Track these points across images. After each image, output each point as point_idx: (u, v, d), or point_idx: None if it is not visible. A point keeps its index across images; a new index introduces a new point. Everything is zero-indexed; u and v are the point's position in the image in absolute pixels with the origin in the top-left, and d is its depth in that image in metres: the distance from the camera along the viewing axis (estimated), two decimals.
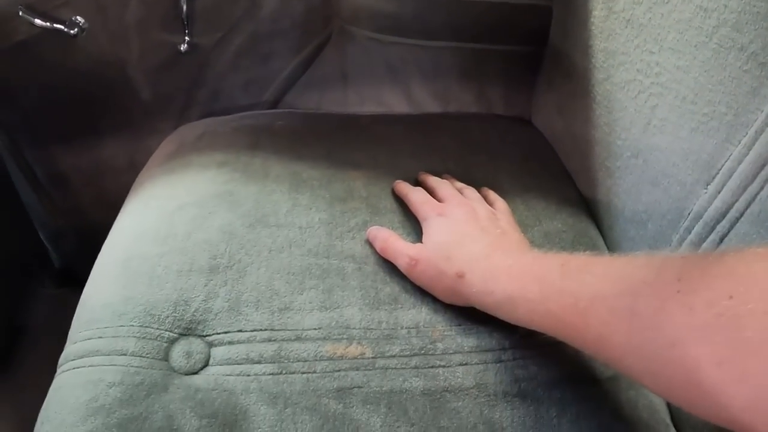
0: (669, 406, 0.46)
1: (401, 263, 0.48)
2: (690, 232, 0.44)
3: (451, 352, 0.45)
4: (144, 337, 0.44)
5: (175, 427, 0.40)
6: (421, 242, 0.49)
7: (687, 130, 0.43)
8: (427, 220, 0.50)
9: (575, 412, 0.42)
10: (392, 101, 0.75)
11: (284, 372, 0.43)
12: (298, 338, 0.44)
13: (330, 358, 0.44)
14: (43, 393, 0.44)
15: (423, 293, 0.48)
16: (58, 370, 0.45)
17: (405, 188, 0.55)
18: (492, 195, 0.56)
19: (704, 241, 0.43)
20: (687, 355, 0.27)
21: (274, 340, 0.44)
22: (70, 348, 0.46)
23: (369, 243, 0.52)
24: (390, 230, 0.51)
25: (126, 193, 0.62)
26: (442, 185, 0.55)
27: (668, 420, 0.45)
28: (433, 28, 0.70)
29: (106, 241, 0.55)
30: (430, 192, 0.54)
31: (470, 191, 0.55)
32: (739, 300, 0.25)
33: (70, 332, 0.48)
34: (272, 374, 0.42)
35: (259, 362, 0.43)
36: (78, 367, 0.44)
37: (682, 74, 0.43)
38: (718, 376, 0.26)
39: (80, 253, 0.84)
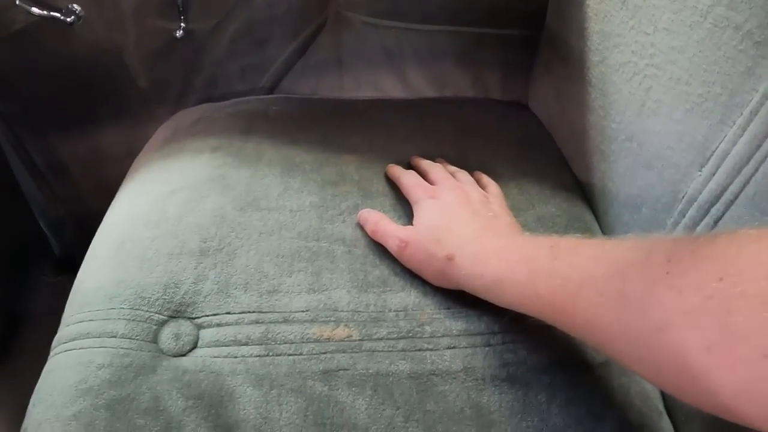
0: (662, 393, 0.45)
1: (391, 245, 0.48)
2: (684, 216, 0.44)
3: (439, 335, 0.44)
4: (134, 320, 0.44)
5: (161, 408, 0.40)
6: (411, 225, 0.49)
7: (681, 112, 0.43)
8: (418, 203, 0.50)
9: (565, 397, 0.42)
10: (388, 86, 0.75)
11: (271, 354, 0.43)
12: (285, 320, 0.44)
13: (317, 341, 0.43)
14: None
15: (412, 276, 0.48)
16: (51, 353, 0.46)
17: (397, 171, 0.55)
18: (485, 179, 0.55)
19: (698, 225, 0.42)
20: (675, 339, 0.26)
21: (262, 322, 0.44)
22: (63, 331, 0.46)
23: (360, 226, 0.52)
24: (381, 213, 0.51)
25: None
26: (435, 168, 0.54)
27: (661, 407, 0.44)
28: (429, 11, 0.70)
29: (101, 226, 0.55)
30: (423, 175, 0.54)
31: (463, 174, 0.54)
32: (729, 282, 0.25)
33: (63, 316, 0.48)
34: (259, 356, 0.43)
35: (246, 344, 0.43)
36: (70, 350, 0.44)
37: (676, 55, 0.42)
38: (706, 362, 0.25)
39: (80, 241, 0.84)
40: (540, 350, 0.44)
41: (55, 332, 0.48)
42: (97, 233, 0.54)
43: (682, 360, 0.26)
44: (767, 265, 0.24)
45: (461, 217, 0.46)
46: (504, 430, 0.41)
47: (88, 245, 0.54)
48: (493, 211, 0.49)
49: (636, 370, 0.31)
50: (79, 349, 0.44)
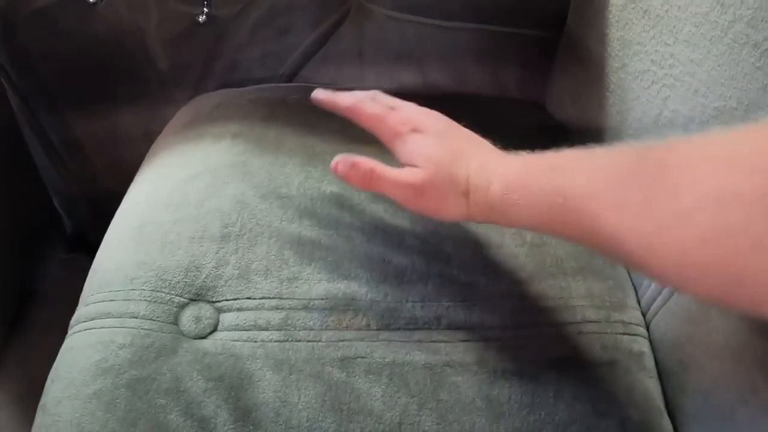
0: (664, 392, 0.46)
1: (401, 194, 0.43)
2: None
3: (454, 327, 0.45)
4: (155, 301, 0.45)
5: (182, 389, 0.41)
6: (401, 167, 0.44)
7: (697, 123, 0.43)
8: (402, 137, 0.44)
9: (571, 394, 0.43)
10: (408, 80, 0.75)
11: (290, 340, 0.44)
12: (305, 307, 0.45)
13: (335, 328, 0.44)
14: (52, 355, 0.45)
15: (429, 268, 0.49)
16: (70, 331, 0.46)
17: (355, 102, 0.47)
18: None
19: None
20: (674, 238, 0.28)
21: (282, 309, 0.45)
22: (82, 310, 0.47)
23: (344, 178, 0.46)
24: (368, 158, 0.45)
25: (140, 162, 0.62)
26: (384, 99, 0.47)
27: (662, 406, 0.45)
28: (451, 8, 0.70)
29: (120, 208, 0.55)
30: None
31: (407, 104, 0.47)
32: (722, 181, 0.26)
33: (82, 295, 0.49)
34: (278, 341, 0.43)
35: (266, 329, 0.44)
36: (89, 329, 0.45)
37: (695, 67, 0.43)
38: (703, 256, 0.27)
39: (92, 220, 0.85)
40: (550, 347, 0.45)
41: (66, 309, 0.49)
42: (116, 215, 0.55)
43: (681, 257, 0.28)
44: (758, 160, 0.25)
45: (461, 148, 0.43)
46: (512, 423, 0.42)
47: (101, 224, 0.54)
48: (466, 133, 0.46)
49: (642, 269, 0.32)
50: (100, 328, 0.45)
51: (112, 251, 0.51)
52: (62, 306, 0.52)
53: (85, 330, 0.45)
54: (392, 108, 0.46)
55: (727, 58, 0.40)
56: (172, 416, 0.40)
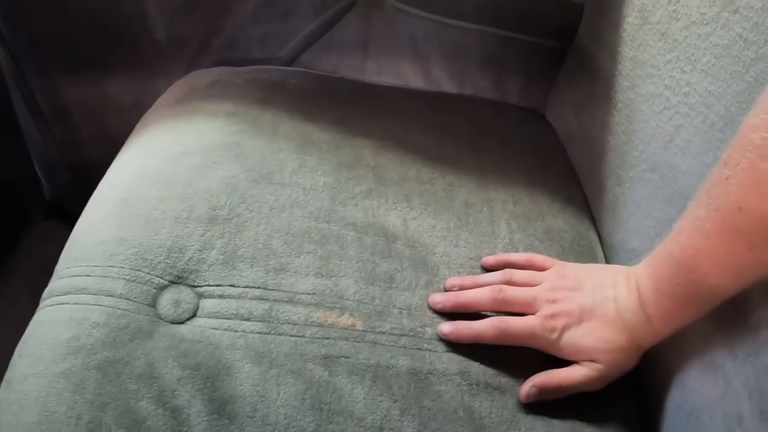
0: (646, 410, 0.46)
1: (589, 389, 0.44)
2: None
3: (438, 338, 0.45)
4: (133, 281, 0.43)
5: (155, 375, 0.39)
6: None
7: (712, 157, 0.42)
8: (558, 340, 0.44)
9: (550, 412, 0.43)
10: (410, 75, 0.74)
11: (273, 332, 0.42)
12: (290, 300, 0.44)
13: (320, 325, 0.43)
14: (20, 327, 0.43)
15: (418, 276, 0.48)
16: (41, 304, 0.44)
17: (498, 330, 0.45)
18: (538, 259, 0.50)
19: None
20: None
21: (266, 300, 0.44)
22: (56, 283, 0.45)
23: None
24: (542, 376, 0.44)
25: (127, 133, 0.60)
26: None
27: (639, 427, 0.45)
28: (462, 7, 0.69)
29: (104, 178, 0.53)
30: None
31: (532, 276, 0.48)
32: None
33: (57, 266, 0.47)
34: (260, 333, 0.42)
35: (248, 319, 0.43)
36: (62, 303, 0.43)
37: (713, 99, 0.42)
38: None
39: (73, 188, 0.83)
40: (531, 364, 0.44)
41: (38, 279, 0.47)
42: (100, 185, 0.53)
43: None
44: None
45: (603, 320, 0.43)
46: None
47: (81, 193, 0.52)
48: (597, 289, 0.45)
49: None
50: (74, 304, 0.43)
51: (93, 223, 0.49)
52: (34, 274, 0.50)
53: (58, 305, 0.43)
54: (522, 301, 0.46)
55: (747, 95, 0.39)
56: (143, 403, 0.38)
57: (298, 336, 0.42)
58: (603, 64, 0.58)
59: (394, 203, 0.53)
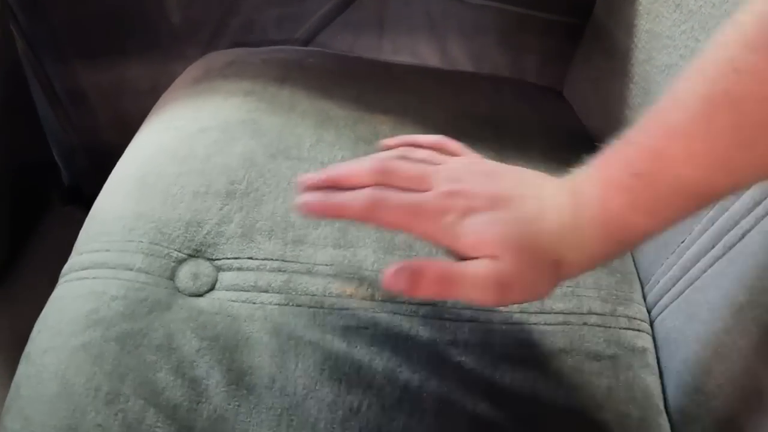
0: (663, 392, 0.45)
1: (481, 297, 0.33)
2: (713, 223, 0.43)
3: (460, 307, 0.44)
4: (152, 255, 0.43)
5: (174, 346, 0.39)
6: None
7: None
8: (452, 228, 0.34)
9: (572, 384, 0.42)
10: (426, 54, 0.74)
11: (291, 304, 0.42)
12: (308, 272, 0.44)
13: (339, 296, 0.43)
14: (38, 309, 0.43)
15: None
16: (61, 280, 0.45)
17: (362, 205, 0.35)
18: (453, 144, 0.42)
19: (726, 234, 0.42)
20: None
21: (284, 271, 0.43)
22: (75, 258, 0.45)
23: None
24: (429, 259, 0.40)
25: (144, 117, 0.61)
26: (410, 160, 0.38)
27: (661, 406, 0.44)
28: None
29: (123, 156, 0.54)
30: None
31: (433, 155, 0.40)
32: None
33: (76, 243, 0.47)
34: (278, 305, 0.42)
35: (266, 291, 0.42)
36: (82, 278, 0.43)
37: None
38: None
39: (91, 173, 0.83)
40: (555, 336, 0.44)
41: (56, 260, 0.47)
42: (119, 163, 0.53)
43: None
44: None
45: (525, 214, 0.34)
46: (513, 408, 0.40)
47: (99, 177, 0.52)
48: (514, 173, 0.38)
49: None
50: (93, 278, 0.43)
51: (112, 199, 0.49)
52: (53, 259, 0.50)
53: (78, 279, 0.43)
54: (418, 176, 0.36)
55: None
56: (162, 374, 0.38)
57: (316, 307, 0.42)
58: (619, 38, 0.57)
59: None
